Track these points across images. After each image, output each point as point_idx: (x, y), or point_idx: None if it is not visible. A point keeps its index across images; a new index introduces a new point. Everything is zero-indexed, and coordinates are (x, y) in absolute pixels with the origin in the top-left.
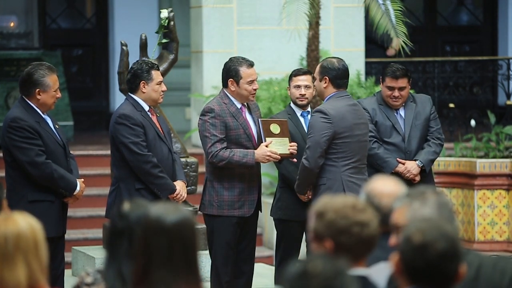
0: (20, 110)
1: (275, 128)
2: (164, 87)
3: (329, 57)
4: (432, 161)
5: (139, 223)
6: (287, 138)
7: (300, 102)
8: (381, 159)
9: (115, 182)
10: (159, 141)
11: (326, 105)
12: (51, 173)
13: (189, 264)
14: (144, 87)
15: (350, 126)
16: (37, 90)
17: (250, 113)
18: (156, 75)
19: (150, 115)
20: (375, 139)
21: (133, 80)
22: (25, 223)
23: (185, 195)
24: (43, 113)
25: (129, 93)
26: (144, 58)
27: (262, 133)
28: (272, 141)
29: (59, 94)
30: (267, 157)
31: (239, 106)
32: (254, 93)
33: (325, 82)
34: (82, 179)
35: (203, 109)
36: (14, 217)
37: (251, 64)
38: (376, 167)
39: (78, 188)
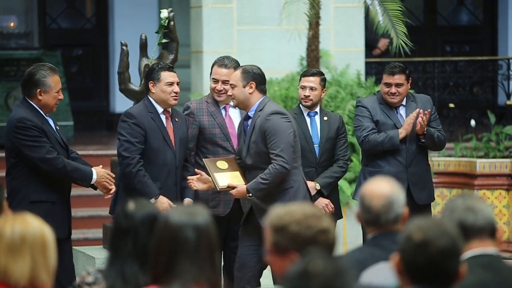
0: (24, 111)
1: (222, 164)
2: (176, 88)
3: (245, 65)
4: (435, 136)
5: (145, 222)
6: (238, 172)
7: (304, 103)
8: (385, 140)
9: (116, 180)
10: (164, 146)
11: (273, 107)
12: (64, 167)
13: (212, 262)
14: (153, 87)
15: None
16: (38, 90)
17: (241, 113)
18: (165, 76)
19: (164, 119)
20: (375, 131)
21: (145, 81)
22: (35, 223)
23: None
24: (45, 114)
25: (147, 95)
26: (153, 60)
27: (209, 172)
28: (219, 175)
29: (61, 96)
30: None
31: (220, 105)
32: (217, 93)
33: (251, 88)
34: (100, 165)
35: (183, 106)
36: (24, 216)
37: (224, 65)
38: (386, 149)
39: (94, 175)
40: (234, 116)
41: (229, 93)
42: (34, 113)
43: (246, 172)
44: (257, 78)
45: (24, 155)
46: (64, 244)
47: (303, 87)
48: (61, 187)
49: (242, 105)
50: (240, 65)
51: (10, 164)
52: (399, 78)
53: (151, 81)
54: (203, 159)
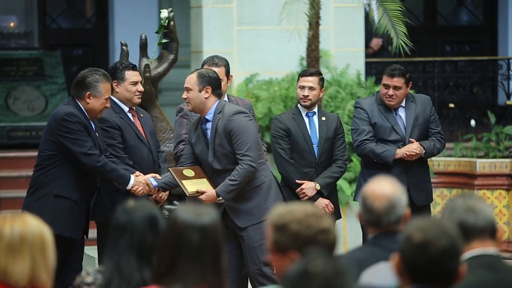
0: (72, 108)
1: (188, 172)
2: (140, 88)
3: (201, 69)
4: (434, 150)
5: (143, 219)
6: (205, 179)
7: (303, 103)
8: (380, 155)
9: (98, 184)
10: (139, 143)
11: (233, 107)
12: (103, 165)
13: (216, 265)
14: (117, 86)
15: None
16: (88, 93)
17: None
18: (129, 75)
19: (131, 116)
20: (371, 135)
21: None
22: (33, 222)
23: (165, 196)
24: (88, 118)
25: (110, 96)
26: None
27: (176, 180)
28: (187, 182)
29: (108, 104)
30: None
31: None
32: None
33: (207, 92)
34: (136, 174)
35: (176, 109)
36: (23, 215)
37: (214, 64)
38: (378, 161)
39: (131, 181)
40: None
41: (184, 96)
42: (80, 113)
43: (214, 175)
44: (213, 83)
45: (66, 148)
46: (77, 245)
47: (302, 87)
48: (86, 188)
49: (197, 109)
50: (227, 63)
51: (43, 156)
52: (397, 81)
53: (115, 81)
54: (169, 169)
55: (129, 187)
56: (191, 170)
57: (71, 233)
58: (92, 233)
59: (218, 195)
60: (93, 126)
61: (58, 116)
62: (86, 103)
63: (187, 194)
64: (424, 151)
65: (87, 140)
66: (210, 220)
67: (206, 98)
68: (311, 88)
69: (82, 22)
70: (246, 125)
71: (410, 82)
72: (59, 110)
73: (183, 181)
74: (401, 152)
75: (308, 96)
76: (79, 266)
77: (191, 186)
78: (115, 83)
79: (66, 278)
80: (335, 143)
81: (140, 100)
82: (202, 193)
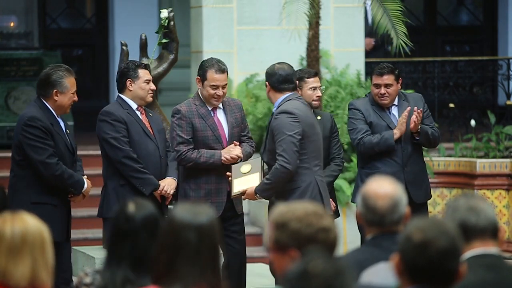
0: (37, 110)
1: (245, 168)
2: (153, 86)
3: (275, 63)
4: (429, 133)
5: (145, 224)
6: (258, 173)
7: (316, 104)
8: (380, 142)
9: (104, 181)
10: (145, 138)
11: (286, 106)
12: (61, 174)
13: (214, 265)
14: (131, 85)
15: (313, 124)
16: (55, 91)
17: (226, 114)
18: (143, 73)
19: (140, 114)
20: (369, 132)
21: (120, 79)
22: (32, 221)
23: (171, 191)
24: (57, 116)
25: (118, 94)
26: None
27: (231, 178)
28: (237, 181)
29: (75, 98)
30: (231, 158)
31: (210, 107)
32: (216, 98)
33: (268, 88)
34: (85, 176)
35: (172, 110)
36: (22, 215)
37: (221, 70)
38: (382, 151)
39: (85, 185)
40: (222, 118)
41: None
42: (46, 113)
43: (267, 169)
44: (270, 79)
45: (26, 155)
46: (64, 247)
47: (314, 88)
48: (63, 190)
49: (271, 102)
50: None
51: (15, 161)
52: (388, 79)
53: (129, 79)
54: (232, 166)
55: (83, 190)
56: (249, 165)
57: (55, 237)
58: (92, 233)
59: (256, 193)
60: (62, 125)
61: (21, 121)
62: (54, 101)
63: (231, 196)
64: (419, 126)
65: (47, 148)
66: (207, 220)
67: (267, 92)
68: (319, 88)
69: (82, 22)
70: (286, 125)
71: (400, 79)
72: (24, 114)
73: (235, 180)
74: (397, 129)
75: (320, 96)
76: (68, 266)
77: (238, 185)
78: (129, 81)
79: (57, 279)
80: (331, 141)
81: (152, 98)
82: (244, 192)
